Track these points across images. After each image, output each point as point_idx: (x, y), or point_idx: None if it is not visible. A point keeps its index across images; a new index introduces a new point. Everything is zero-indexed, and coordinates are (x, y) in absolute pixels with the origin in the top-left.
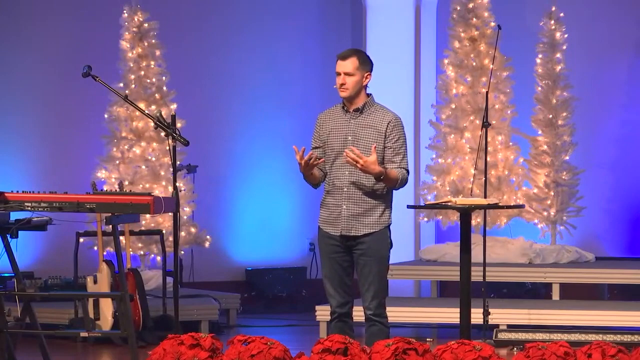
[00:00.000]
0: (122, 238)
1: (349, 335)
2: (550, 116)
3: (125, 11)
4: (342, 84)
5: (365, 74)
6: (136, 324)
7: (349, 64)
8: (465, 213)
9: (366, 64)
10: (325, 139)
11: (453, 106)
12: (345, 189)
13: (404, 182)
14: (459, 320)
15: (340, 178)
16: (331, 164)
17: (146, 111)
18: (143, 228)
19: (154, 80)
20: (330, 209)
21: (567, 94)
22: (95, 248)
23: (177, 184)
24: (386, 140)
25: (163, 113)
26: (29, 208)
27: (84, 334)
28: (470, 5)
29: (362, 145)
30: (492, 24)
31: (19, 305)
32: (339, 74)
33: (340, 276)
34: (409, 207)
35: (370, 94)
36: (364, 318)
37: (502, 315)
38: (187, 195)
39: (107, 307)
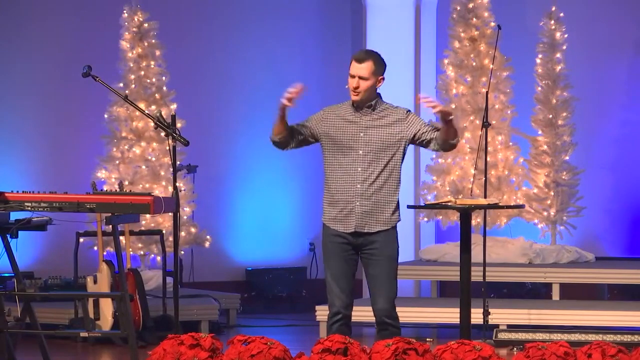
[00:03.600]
0: (122, 238)
1: (348, 335)
2: (550, 116)
3: (125, 11)
4: (355, 88)
5: (379, 78)
6: (136, 324)
7: (364, 69)
8: (465, 213)
9: (380, 68)
10: (331, 132)
11: (453, 106)
12: (358, 186)
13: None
14: (459, 320)
15: (352, 175)
16: (340, 161)
17: (146, 111)
18: (143, 228)
19: (154, 80)
20: (340, 206)
21: (567, 94)
22: (95, 248)
23: (177, 184)
24: (415, 126)
25: (163, 113)
26: (29, 208)
27: (84, 334)
28: (470, 5)
29: (376, 141)
30: (492, 24)
31: (19, 305)
32: (353, 76)
33: (347, 276)
34: (409, 207)
35: (379, 93)
36: (367, 320)
37: (502, 315)
38: (187, 195)
39: (107, 307)
